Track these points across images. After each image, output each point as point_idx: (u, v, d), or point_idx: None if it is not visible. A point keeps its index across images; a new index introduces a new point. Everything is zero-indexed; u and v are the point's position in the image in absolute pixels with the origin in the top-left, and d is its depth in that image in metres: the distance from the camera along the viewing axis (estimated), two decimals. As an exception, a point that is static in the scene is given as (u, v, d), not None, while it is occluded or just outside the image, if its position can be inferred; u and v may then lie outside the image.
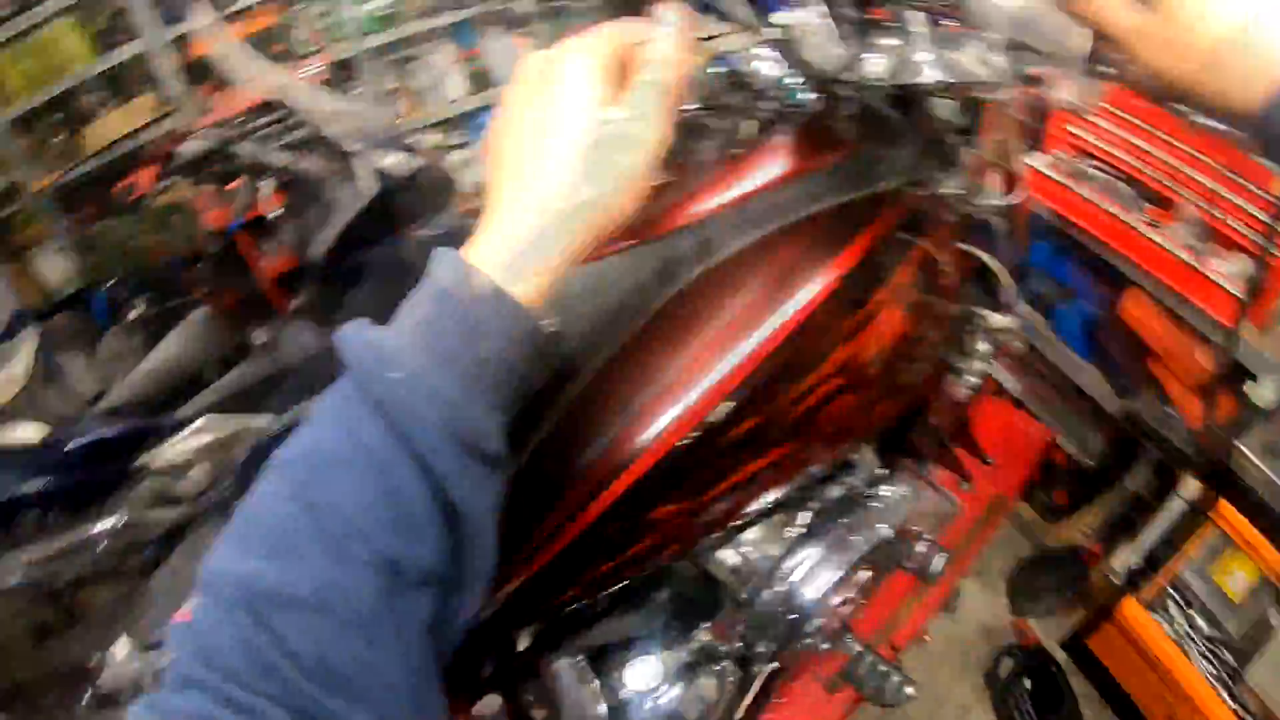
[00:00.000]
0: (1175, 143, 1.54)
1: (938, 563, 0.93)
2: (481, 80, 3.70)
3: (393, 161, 2.29)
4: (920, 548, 0.94)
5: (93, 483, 2.01)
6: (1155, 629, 1.58)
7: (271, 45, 3.25)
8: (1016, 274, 1.00)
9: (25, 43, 2.95)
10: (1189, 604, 1.59)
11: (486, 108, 3.58)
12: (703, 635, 0.86)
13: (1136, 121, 1.61)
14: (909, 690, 0.92)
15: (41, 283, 3.21)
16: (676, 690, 0.83)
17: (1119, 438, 1.93)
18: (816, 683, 1.03)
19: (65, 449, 1.93)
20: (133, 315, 2.93)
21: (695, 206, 0.73)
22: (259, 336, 2.38)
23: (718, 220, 0.73)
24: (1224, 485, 1.55)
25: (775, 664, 0.91)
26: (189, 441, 2.14)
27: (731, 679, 0.87)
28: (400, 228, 2.32)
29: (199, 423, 2.16)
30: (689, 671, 0.84)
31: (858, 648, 0.91)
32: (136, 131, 3.17)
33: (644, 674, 0.83)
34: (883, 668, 0.91)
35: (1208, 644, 1.53)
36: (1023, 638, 1.91)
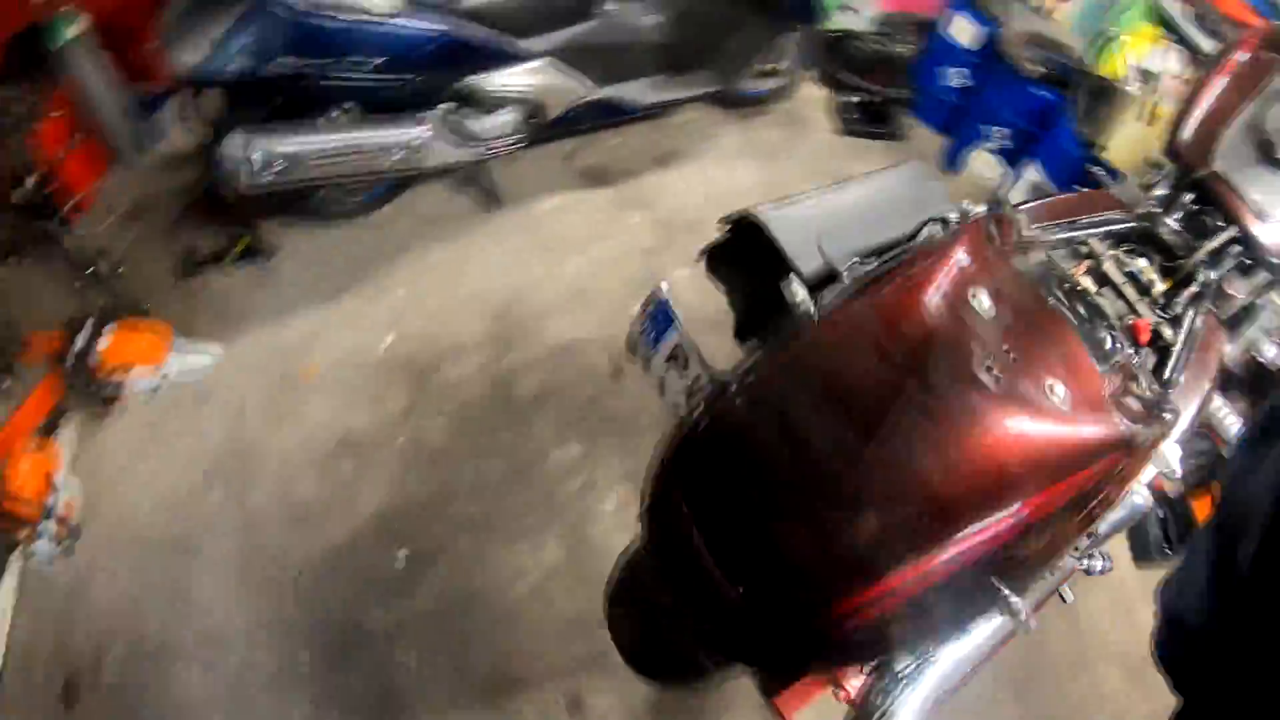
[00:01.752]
0: None
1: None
2: None
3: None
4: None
5: (418, 84, 2.08)
6: None
7: None
8: None
9: None
10: None
11: None
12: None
13: None
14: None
15: None
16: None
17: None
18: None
19: (423, 34, 1.96)
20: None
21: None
22: (610, 3, 2.37)
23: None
24: None
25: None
26: (524, 78, 2.25)
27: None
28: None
29: (539, 62, 2.25)
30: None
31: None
32: None
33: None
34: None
35: None
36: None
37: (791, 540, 0.78)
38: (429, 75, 2.09)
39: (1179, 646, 0.75)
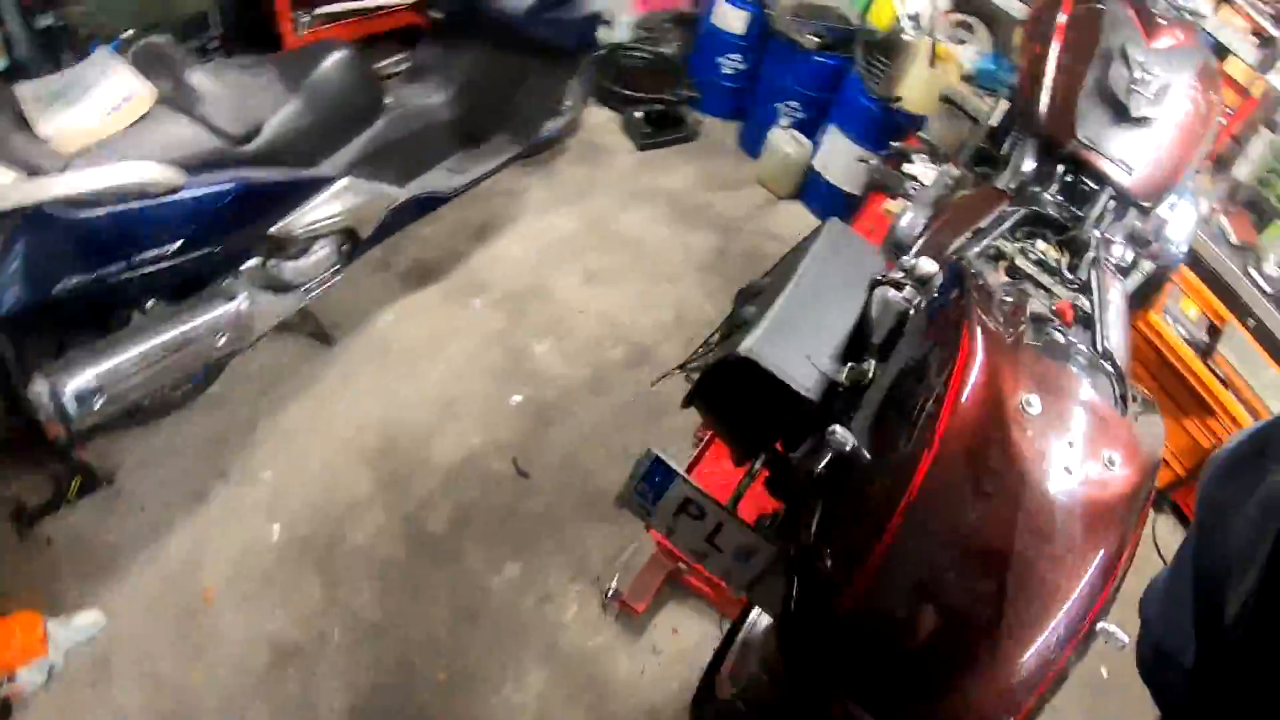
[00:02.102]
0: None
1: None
2: None
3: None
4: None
5: (222, 254, 1.86)
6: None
7: None
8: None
9: None
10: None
11: None
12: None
13: None
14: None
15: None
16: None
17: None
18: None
19: (215, 195, 1.73)
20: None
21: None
22: (390, 96, 2.27)
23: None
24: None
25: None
26: (329, 206, 2.12)
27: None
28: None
29: (340, 184, 2.13)
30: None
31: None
32: None
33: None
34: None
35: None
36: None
37: (957, 695, 0.81)
38: (232, 237, 1.89)
39: (1167, 676, 0.84)
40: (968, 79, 3.00)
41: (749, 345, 1.01)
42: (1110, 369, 1.06)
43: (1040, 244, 1.42)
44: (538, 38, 2.62)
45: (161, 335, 1.80)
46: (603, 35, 3.64)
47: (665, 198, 3.24)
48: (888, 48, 3.05)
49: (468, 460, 2.19)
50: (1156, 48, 1.74)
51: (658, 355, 2.61)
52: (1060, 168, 1.59)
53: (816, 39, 3.23)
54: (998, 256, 1.33)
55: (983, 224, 1.40)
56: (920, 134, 2.87)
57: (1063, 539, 0.82)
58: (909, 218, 1.71)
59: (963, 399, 0.87)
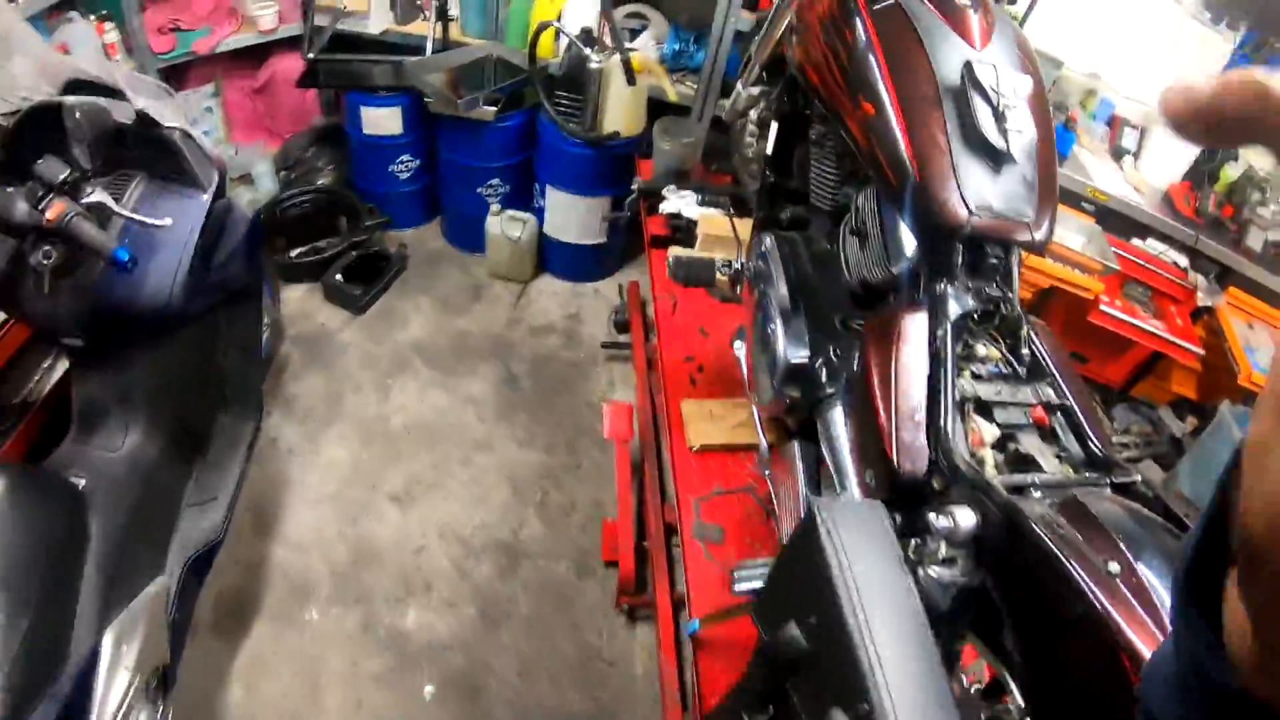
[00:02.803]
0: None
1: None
2: None
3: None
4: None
5: None
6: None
7: None
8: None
9: None
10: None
11: None
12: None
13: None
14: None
15: None
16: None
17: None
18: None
19: None
20: None
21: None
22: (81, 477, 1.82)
23: None
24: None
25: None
26: (114, 678, 1.68)
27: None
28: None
29: (106, 646, 1.68)
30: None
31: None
32: None
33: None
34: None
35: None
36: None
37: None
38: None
39: None
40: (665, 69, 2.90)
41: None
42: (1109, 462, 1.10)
43: (979, 347, 1.28)
44: (204, 307, 2.15)
45: None
46: (248, 200, 3.13)
47: (418, 356, 2.91)
48: (572, 81, 2.81)
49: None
50: (990, 52, 1.40)
51: (524, 542, 2.43)
52: (958, 246, 1.31)
53: (489, 106, 2.90)
54: (964, 403, 1.19)
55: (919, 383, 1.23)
56: (657, 162, 2.76)
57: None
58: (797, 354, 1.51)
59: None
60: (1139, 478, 1.12)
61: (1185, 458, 2.70)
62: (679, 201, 2.68)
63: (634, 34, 3.24)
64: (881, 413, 1.23)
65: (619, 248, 3.31)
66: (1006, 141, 1.30)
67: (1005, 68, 1.36)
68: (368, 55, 3.15)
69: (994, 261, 1.33)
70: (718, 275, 1.94)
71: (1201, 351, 2.74)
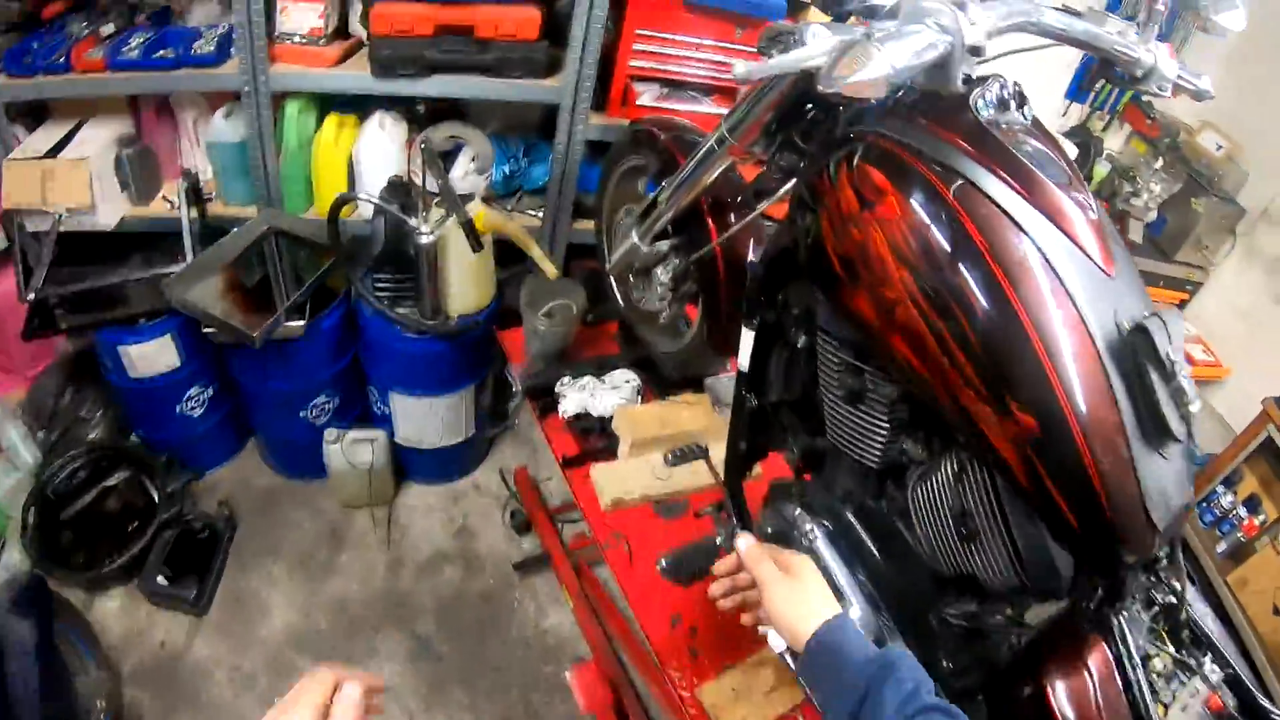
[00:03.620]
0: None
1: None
2: None
3: None
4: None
5: None
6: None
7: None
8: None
9: None
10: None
11: None
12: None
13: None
14: None
15: None
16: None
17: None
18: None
19: None
20: None
21: None
22: None
23: None
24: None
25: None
26: None
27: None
28: None
29: None
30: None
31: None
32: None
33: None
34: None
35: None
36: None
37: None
38: None
39: None
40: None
41: None
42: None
43: (1156, 662, 1.10)
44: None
45: None
46: (10, 487, 2.33)
47: (298, 651, 2.29)
48: (395, 254, 2.27)
49: None
50: (1122, 277, 1.04)
51: None
52: (1138, 570, 1.10)
53: (294, 322, 2.28)
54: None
55: None
56: (530, 342, 2.29)
57: None
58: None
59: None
60: None
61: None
62: (580, 396, 2.22)
63: (448, 157, 2.71)
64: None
65: (487, 423, 2.87)
66: (1184, 426, 0.98)
67: (1172, 320, 0.98)
68: (110, 270, 2.38)
69: (1163, 558, 1.10)
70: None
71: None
